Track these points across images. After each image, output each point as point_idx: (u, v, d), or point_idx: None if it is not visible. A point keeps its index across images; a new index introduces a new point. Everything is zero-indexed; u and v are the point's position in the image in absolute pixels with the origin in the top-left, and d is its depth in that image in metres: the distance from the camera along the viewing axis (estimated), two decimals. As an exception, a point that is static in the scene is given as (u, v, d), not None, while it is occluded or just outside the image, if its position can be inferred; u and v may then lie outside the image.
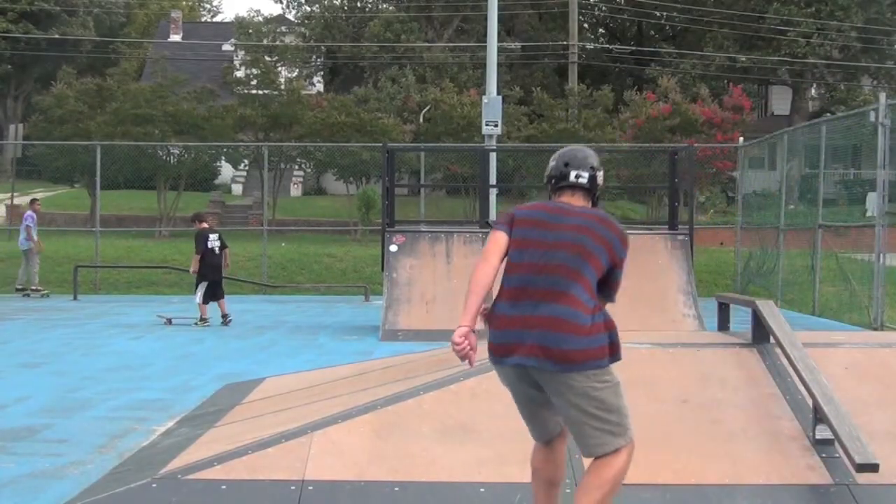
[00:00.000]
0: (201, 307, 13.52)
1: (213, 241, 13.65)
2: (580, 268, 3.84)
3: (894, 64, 35.97)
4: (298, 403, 6.18)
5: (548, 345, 3.70)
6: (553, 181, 4.17)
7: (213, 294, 13.61)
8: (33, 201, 19.43)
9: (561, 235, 3.90)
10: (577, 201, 4.11)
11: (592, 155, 4.23)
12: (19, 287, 18.41)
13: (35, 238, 18.22)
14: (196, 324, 13.42)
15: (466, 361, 3.83)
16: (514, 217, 4.04)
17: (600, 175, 4.21)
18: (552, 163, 4.23)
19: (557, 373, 3.72)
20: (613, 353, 3.84)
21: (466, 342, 3.77)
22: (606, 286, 3.99)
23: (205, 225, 13.91)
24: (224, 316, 13.65)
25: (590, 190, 4.17)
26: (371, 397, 5.46)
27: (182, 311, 14.46)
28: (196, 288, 13.62)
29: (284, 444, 4.89)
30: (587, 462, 3.92)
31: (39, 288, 18.38)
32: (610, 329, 3.87)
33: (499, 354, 3.83)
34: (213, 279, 13.60)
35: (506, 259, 3.95)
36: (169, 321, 13.74)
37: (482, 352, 3.85)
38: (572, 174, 4.14)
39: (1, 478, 5.47)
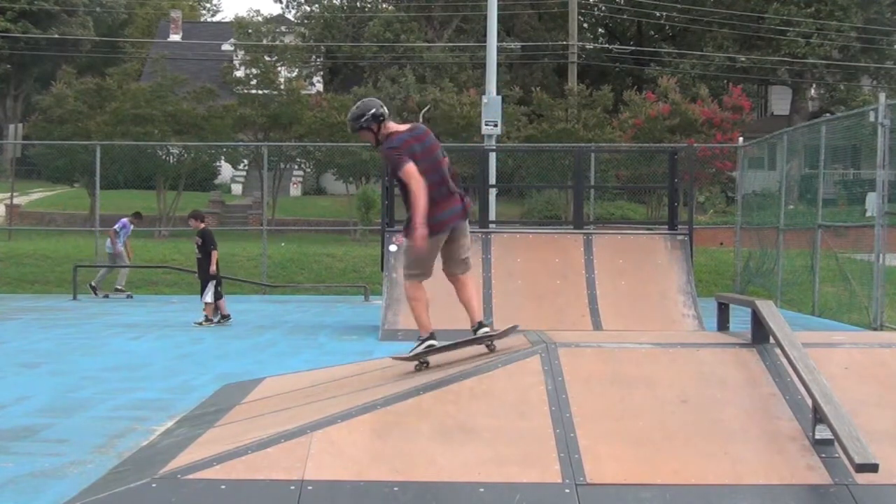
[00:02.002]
0: (216, 305, 13.50)
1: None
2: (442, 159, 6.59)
3: (894, 64, 35.98)
4: (298, 403, 6.17)
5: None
6: (381, 117, 6.55)
7: (217, 293, 13.60)
8: (136, 214, 19.28)
9: (426, 144, 6.55)
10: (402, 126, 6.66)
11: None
12: (92, 285, 18.48)
13: (119, 248, 18.32)
14: (201, 323, 13.40)
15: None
16: (403, 149, 6.40)
17: None
18: (374, 109, 6.57)
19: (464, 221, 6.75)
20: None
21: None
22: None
23: (204, 223, 13.87)
24: (226, 316, 13.65)
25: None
26: (371, 397, 5.46)
27: (182, 310, 14.46)
28: (206, 287, 13.53)
29: (284, 443, 4.89)
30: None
31: (122, 288, 18.44)
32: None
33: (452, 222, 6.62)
34: (219, 277, 13.63)
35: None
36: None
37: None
38: (384, 108, 6.64)
39: (0, 478, 5.47)
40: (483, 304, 12.31)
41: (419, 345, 6.41)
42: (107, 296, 18.24)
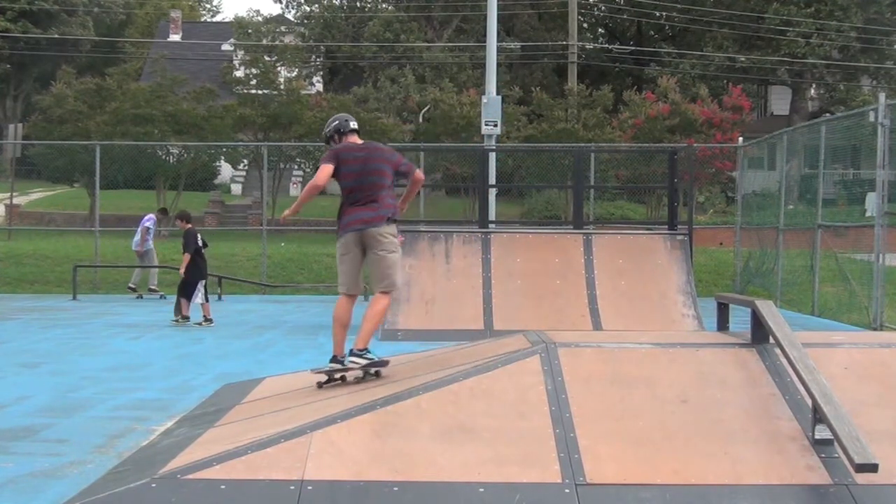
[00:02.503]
0: (205, 307, 13.47)
1: (200, 241, 13.68)
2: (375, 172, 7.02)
3: (894, 64, 35.97)
4: (298, 403, 6.18)
5: None
6: (342, 130, 7.16)
7: (189, 294, 13.52)
8: (162, 210, 19.19)
9: (362, 157, 7.03)
10: (358, 139, 7.19)
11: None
12: (131, 287, 18.41)
13: (150, 245, 18.26)
14: (201, 324, 13.37)
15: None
16: (330, 156, 7.08)
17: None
18: (337, 122, 7.22)
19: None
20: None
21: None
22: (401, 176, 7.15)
23: (190, 224, 13.88)
24: (186, 317, 13.55)
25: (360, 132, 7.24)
26: (370, 397, 5.46)
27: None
28: (194, 288, 13.47)
29: (284, 443, 4.89)
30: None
31: (155, 288, 18.35)
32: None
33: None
34: (205, 278, 13.63)
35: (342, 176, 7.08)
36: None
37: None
38: (352, 123, 7.21)
39: (0, 478, 5.47)
40: (483, 304, 12.33)
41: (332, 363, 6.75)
42: (140, 296, 18.14)
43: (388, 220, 6.95)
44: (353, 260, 7.01)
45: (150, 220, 18.47)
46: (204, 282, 13.53)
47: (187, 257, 13.43)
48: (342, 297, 7.02)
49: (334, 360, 6.73)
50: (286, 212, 7.42)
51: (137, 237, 18.40)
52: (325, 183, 7.02)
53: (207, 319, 13.42)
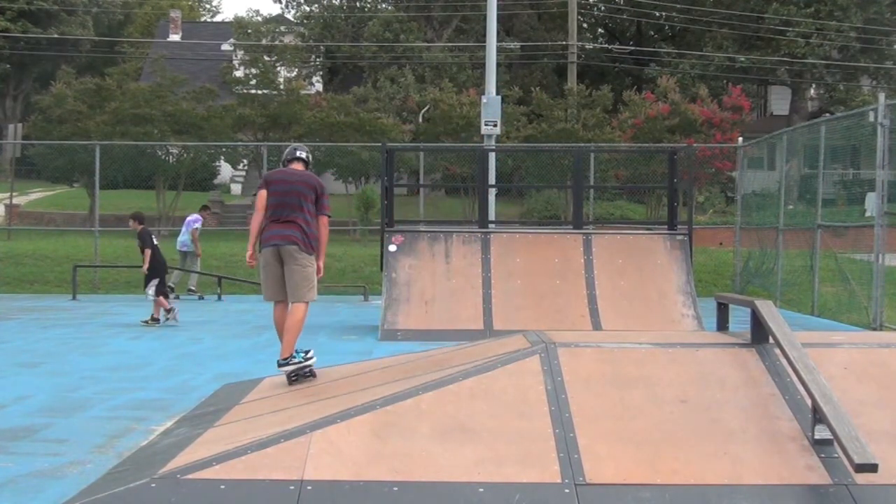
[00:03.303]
0: (161, 301, 13.59)
1: (156, 239, 13.94)
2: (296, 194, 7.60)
3: (893, 64, 35.97)
4: (297, 403, 6.18)
5: None
6: (288, 158, 7.90)
7: (161, 291, 13.67)
8: (205, 207, 19.18)
9: (285, 180, 7.67)
10: (300, 167, 7.86)
11: (303, 146, 8.09)
12: (170, 286, 18.37)
13: (196, 246, 18.23)
14: (148, 322, 13.49)
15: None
16: (263, 181, 7.79)
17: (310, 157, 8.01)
18: (285, 154, 7.98)
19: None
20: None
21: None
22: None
23: (143, 225, 14.04)
24: (157, 320, 13.62)
25: (308, 162, 7.94)
26: (370, 397, 5.46)
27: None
28: (147, 285, 13.63)
29: (283, 443, 4.89)
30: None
31: (194, 289, 18.33)
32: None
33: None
34: (163, 275, 13.78)
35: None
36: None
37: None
38: (298, 153, 7.90)
39: (0, 478, 5.47)
40: (483, 304, 12.33)
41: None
42: (178, 297, 17.98)
43: (304, 248, 7.51)
44: (273, 272, 7.54)
45: (198, 220, 18.39)
46: (157, 280, 13.66)
47: (149, 252, 13.61)
48: (274, 306, 7.62)
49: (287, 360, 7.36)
50: (248, 255, 7.95)
51: (185, 237, 18.29)
52: (263, 209, 7.61)
53: (155, 319, 13.54)
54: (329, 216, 7.80)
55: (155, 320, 13.52)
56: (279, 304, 7.55)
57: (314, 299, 7.56)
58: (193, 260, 18.46)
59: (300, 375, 7.21)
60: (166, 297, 13.74)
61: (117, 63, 39.51)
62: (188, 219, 18.60)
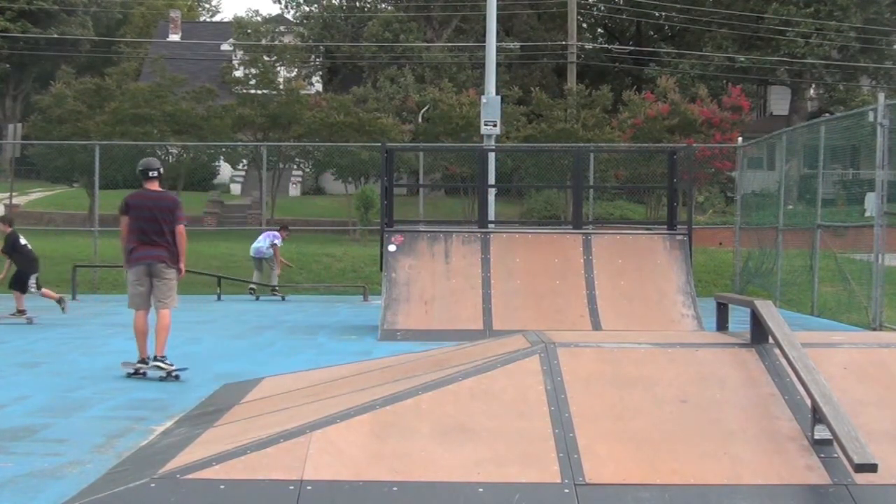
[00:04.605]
0: (46, 293, 14.33)
1: (22, 240, 14.37)
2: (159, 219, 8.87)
3: (893, 64, 35.98)
4: (297, 403, 6.18)
5: None
6: (143, 175, 8.98)
7: (25, 286, 14.04)
8: (285, 227, 19.40)
9: (148, 205, 8.90)
10: (156, 185, 9.02)
11: (155, 160, 9.14)
12: (252, 287, 18.68)
13: (278, 263, 18.58)
14: (14, 315, 13.88)
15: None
16: (123, 203, 8.92)
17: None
18: (140, 166, 9.03)
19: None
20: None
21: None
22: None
23: (11, 228, 14.48)
24: (23, 311, 14.02)
25: (161, 178, 9.00)
26: (370, 397, 5.46)
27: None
28: (26, 283, 14.01)
29: (283, 443, 4.89)
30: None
31: (277, 289, 18.54)
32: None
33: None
34: (36, 270, 14.25)
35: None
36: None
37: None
38: (150, 173, 8.96)
39: (0, 478, 5.48)
40: (483, 304, 12.33)
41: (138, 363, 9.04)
42: (257, 297, 18.39)
43: (170, 263, 8.92)
44: (143, 286, 8.92)
45: (278, 238, 18.62)
46: (36, 275, 14.19)
47: (8, 261, 14.21)
48: (136, 313, 8.95)
49: (142, 361, 8.94)
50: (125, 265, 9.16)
51: (265, 247, 18.46)
52: (128, 233, 8.88)
53: (21, 311, 13.95)
54: (184, 224, 9.07)
55: (21, 312, 13.97)
56: (142, 311, 8.95)
57: (176, 306, 9.12)
58: (272, 263, 18.64)
59: (169, 374, 8.79)
60: (24, 293, 14.10)
61: (116, 63, 39.51)
62: (270, 232, 18.90)
